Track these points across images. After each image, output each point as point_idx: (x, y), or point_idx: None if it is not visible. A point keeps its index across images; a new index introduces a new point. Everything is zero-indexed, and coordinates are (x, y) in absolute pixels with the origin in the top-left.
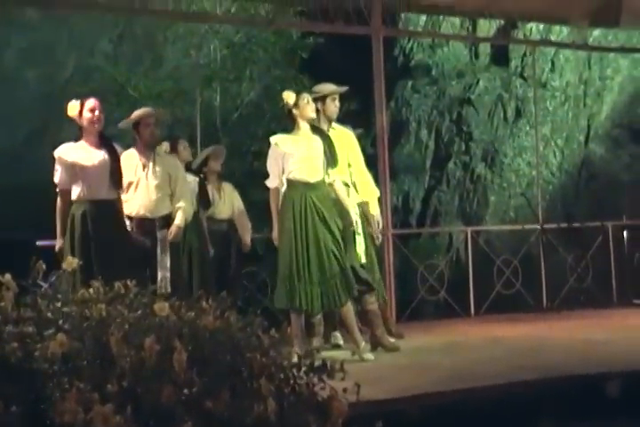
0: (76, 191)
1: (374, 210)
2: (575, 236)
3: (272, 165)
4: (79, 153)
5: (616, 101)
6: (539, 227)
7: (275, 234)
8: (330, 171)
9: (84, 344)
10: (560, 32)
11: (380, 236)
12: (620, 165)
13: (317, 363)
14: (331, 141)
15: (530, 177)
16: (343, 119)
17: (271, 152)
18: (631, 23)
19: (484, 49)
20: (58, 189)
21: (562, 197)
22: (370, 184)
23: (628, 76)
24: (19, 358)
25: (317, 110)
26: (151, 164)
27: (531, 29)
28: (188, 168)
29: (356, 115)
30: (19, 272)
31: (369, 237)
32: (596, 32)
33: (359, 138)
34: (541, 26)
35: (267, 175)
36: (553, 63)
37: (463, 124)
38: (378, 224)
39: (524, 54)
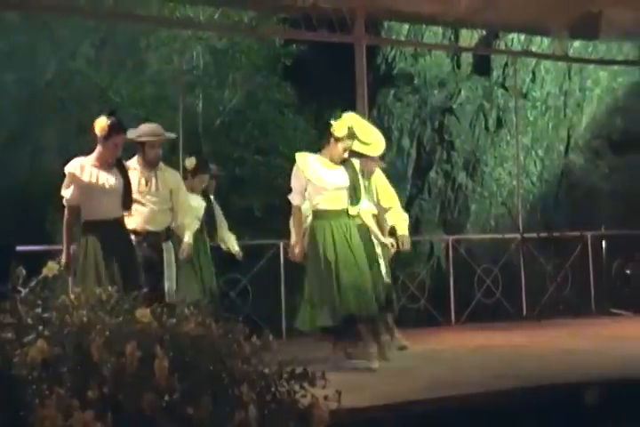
0: (88, 212)
1: (403, 231)
2: (555, 245)
3: (295, 182)
4: (93, 173)
5: (595, 113)
6: (519, 236)
7: (296, 249)
8: (356, 199)
9: (65, 350)
10: (541, 43)
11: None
12: (599, 176)
13: (298, 370)
14: (355, 171)
15: (510, 186)
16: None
17: (295, 171)
18: (610, 36)
19: (466, 59)
20: (67, 204)
21: (542, 206)
22: (398, 209)
23: (607, 88)
24: None
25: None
26: (153, 179)
27: (512, 40)
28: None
29: None
30: None
31: (387, 260)
32: (577, 44)
33: None
34: (523, 37)
35: (248, 183)
36: (534, 74)
37: (445, 133)
38: (404, 243)
39: (506, 64)
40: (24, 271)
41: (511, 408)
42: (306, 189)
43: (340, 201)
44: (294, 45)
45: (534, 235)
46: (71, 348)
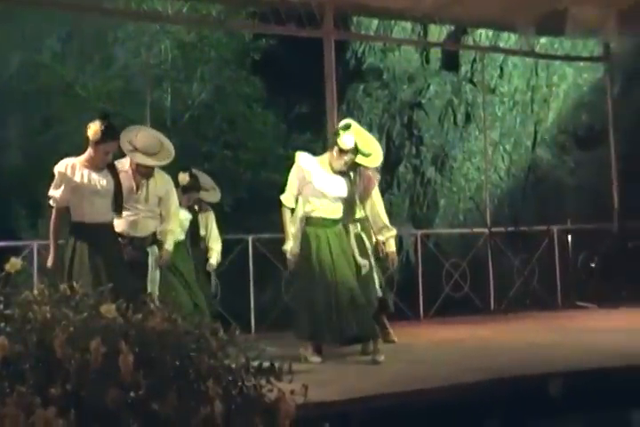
0: (77, 213)
1: (391, 247)
2: (522, 239)
3: (293, 182)
4: (84, 173)
5: (561, 108)
6: (487, 230)
7: (289, 247)
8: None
9: (27, 347)
10: (508, 39)
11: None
12: (566, 171)
13: (265, 365)
14: (354, 185)
15: (479, 181)
16: (294, 122)
17: (296, 170)
18: (575, 32)
19: (435, 54)
20: (55, 206)
21: (509, 201)
22: (388, 225)
23: (573, 84)
24: None
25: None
26: (144, 188)
27: (480, 36)
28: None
29: (307, 118)
30: None
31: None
32: (543, 40)
33: (310, 141)
34: (490, 33)
35: (217, 177)
36: (502, 69)
37: (414, 128)
38: (393, 262)
39: (474, 60)
40: None
41: (476, 401)
42: (300, 192)
43: (337, 210)
44: (263, 40)
45: (502, 229)
46: (34, 344)
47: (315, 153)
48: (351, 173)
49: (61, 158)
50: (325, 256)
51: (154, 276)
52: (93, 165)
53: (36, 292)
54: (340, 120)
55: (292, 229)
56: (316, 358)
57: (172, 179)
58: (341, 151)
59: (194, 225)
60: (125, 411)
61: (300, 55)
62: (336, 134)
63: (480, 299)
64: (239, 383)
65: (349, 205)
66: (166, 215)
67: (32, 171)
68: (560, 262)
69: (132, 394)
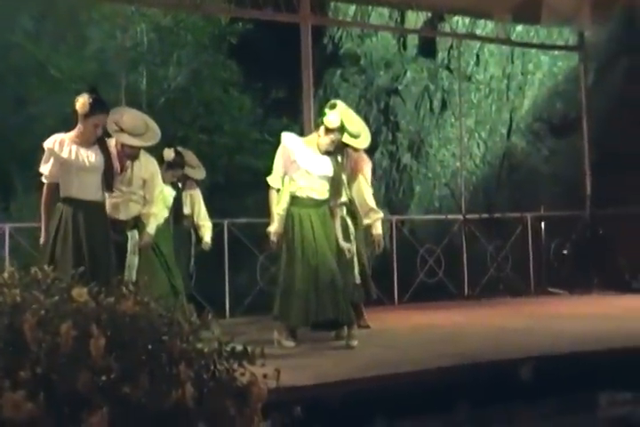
0: (66, 188)
1: (377, 230)
2: (496, 226)
3: (279, 162)
4: (73, 150)
5: (536, 96)
6: (461, 217)
7: (273, 229)
8: (338, 193)
9: None
10: (485, 26)
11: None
12: (540, 158)
13: (238, 349)
14: (339, 166)
15: (454, 168)
16: (271, 106)
17: (282, 150)
18: (551, 20)
19: (412, 40)
20: (45, 181)
21: (484, 187)
22: (374, 208)
23: (548, 72)
24: None
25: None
26: (129, 170)
27: (457, 23)
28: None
29: (284, 102)
30: None
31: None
32: (519, 28)
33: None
34: (467, 20)
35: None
36: (478, 57)
37: (390, 114)
38: (379, 245)
39: (451, 47)
40: None
41: (449, 386)
42: (285, 172)
43: (322, 191)
44: (240, 24)
45: (476, 216)
46: (3, 327)
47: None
48: (338, 155)
49: (35, 140)
50: (308, 237)
51: (132, 261)
52: (83, 140)
53: (6, 275)
54: (316, 105)
55: (277, 209)
56: (290, 343)
57: (156, 157)
58: (327, 130)
59: (177, 202)
60: (96, 394)
61: (276, 40)
62: (322, 113)
63: (454, 285)
64: (211, 367)
65: (336, 186)
66: (149, 198)
67: (3, 153)
68: (533, 249)
69: (103, 378)
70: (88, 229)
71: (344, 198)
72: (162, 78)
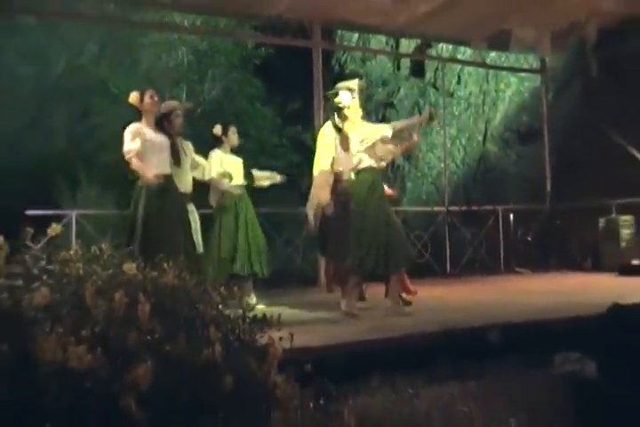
0: (149, 166)
1: None
2: (473, 217)
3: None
4: (149, 132)
5: (507, 110)
6: (445, 209)
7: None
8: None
9: (64, 297)
10: (464, 52)
11: None
12: (509, 161)
13: (259, 316)
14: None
15: (439, 168)
16: (288, 116)
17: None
18: (518, 48)
19: (405, 63)
20: (131, 155)
21: (463, 185)
22: None
23: (516, 90)
24: (8, 306)
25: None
26: (180, 150)
27: (442, 49)
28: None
29: (299, 113)
30: (11, 236)
31: None
32: (492, 54)
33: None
34: (450, 46)
35: None
36: (459, 77)
37: (387, 123)
38: None
39: (437, 69)
40: (32, 231)
41: (433, 347)
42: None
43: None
44: (263, 48)
45: (457, 208)
46: (69, 294)
47: (304, 142)
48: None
49: (97, 144)
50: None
51: (196, 228)
52: (150, 125)
53: (72, 252)
54: (325, 116)
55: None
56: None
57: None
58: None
59: None
60: (143, 350)
61: (293, 62)
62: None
63: (438, 265)
64: (236, 331)
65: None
66: (205, 166)
67: (72, 153)
68: (503, 236)
69: (148, 337)
70: (170, 199)
71: None
72: (199, 93)
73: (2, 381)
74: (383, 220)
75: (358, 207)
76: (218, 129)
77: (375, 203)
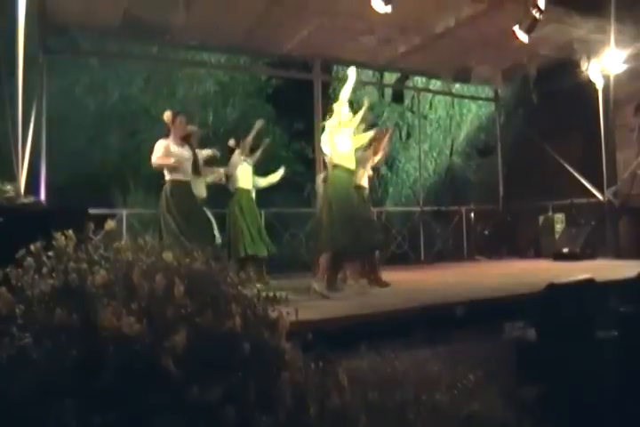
0: (174, 173)
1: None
2: (442, 215)
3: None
4: (176, 147)
5: (469, 130)
6: (419, 209)
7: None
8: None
9: (117, 278)
10: (435, 83)
11: None
12: (470, 171)
13: (271, 295)
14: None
15: (415, 176)
16: (293, 134)
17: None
18: (477, 81)
19: (388, 91)
20: (160, 164)
21: (434, 190)
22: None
23: (476, 115)
24: (77, 285)
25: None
26: (199, 161)
27: (417, 81)
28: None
29: (302, 132)
30: (78, 230)
31: None
32: (457, 85)
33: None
34: (424, 78)
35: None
36: (431, 103)
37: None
38: None
39: (413, 97)
40: (93, 226)
41: (411, 320)
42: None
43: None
44: (274, 80)
45: (429, 208)
46: (121, 276)
47: (307, 156)
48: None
49: (142, 158)
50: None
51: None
52: (177, 141)
53: (123, 243)
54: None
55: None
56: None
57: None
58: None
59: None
60: (178, 322)
61: (298, 91)
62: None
63: (414, 254)
64: (252, 307)
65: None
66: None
67: (123, 165)
68: (466, 230)
69: (182, 311)
70: (188, 199)
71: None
72: (222, 115)
73: (73, 342)
74: (359, 207)
75: (336, 193)
76: (232, 142)
77: (352, 192)
